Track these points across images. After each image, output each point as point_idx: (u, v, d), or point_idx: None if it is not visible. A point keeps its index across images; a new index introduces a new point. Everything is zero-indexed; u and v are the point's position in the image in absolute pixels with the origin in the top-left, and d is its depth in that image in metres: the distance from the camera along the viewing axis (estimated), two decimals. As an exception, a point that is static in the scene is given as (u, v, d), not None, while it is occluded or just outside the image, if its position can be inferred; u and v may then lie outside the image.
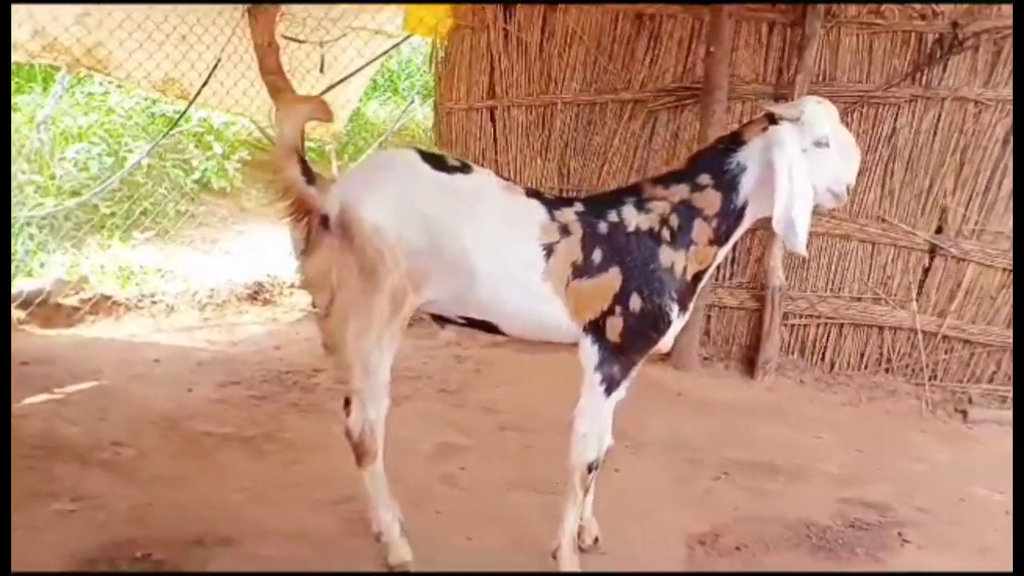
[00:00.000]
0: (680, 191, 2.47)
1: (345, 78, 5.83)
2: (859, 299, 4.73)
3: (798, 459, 3.74)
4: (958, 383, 4.61)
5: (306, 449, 3.52)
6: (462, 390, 4.39)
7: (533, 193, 2.52)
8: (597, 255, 2.43)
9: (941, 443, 4.15)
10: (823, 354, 4.86)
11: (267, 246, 6.87)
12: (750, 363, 4.83)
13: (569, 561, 2.57)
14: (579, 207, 2.49)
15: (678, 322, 2.51)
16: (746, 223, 2.51)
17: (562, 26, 5.21)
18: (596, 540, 2.80)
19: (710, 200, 2.45)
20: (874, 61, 4.64)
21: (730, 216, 2.47)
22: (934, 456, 3.94)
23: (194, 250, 7.08)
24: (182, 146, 7.66)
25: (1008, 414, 4.42)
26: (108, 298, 5.58)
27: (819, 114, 2.39)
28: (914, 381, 4.66)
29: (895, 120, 4.61)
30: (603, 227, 2.45)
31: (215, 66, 5.73)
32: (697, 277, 2.51)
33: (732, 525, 3.10)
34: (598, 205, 2.51)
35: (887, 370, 4.73)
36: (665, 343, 2.55)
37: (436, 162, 2.45)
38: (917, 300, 4.63)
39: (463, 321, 2.57)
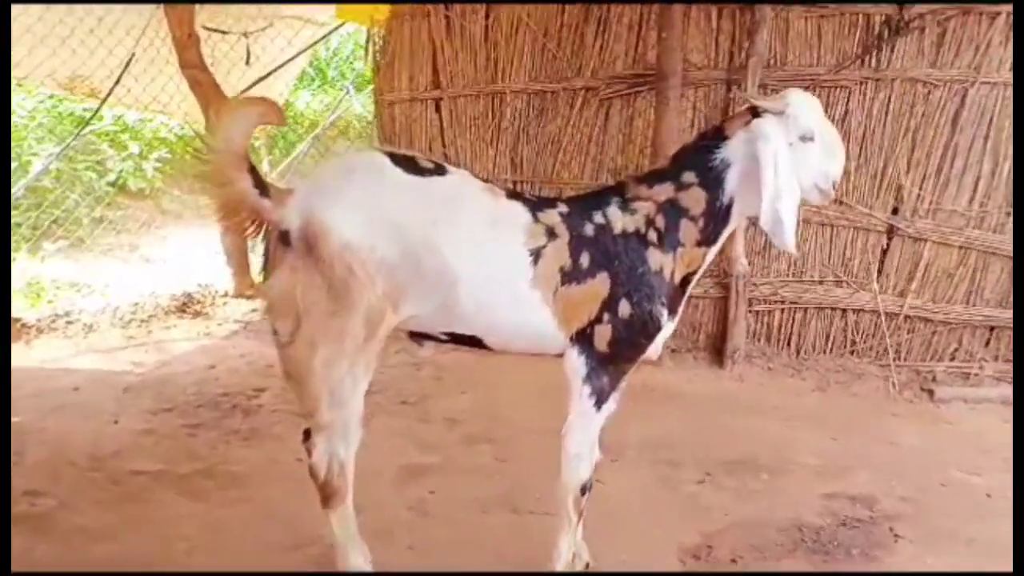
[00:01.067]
0: (665, 190, 2.35)
1: (274, 70, 5.52)
2: (821, 282, 4.72)
3: (777, 453, 3.68)
4: (922, 362, 4.65)
5: (254, 484, 3.20)
6: (423, 401, 4.18)
7: (514, 194, 2.34)
8: (585, 259, 2.28)
9: (912, 424, 4.16)
10: (789, 339, 4.84)
11: (194, 251, 6.48)
12: (718, 352, 4.78)
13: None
14: (563, 208, 2.33)
15: (667, 328, 2.39)
16: (733, 222, 2.40)
17: (508, 12, 5.02)
18: (587, 566, 2.61)
19: (696, 199, 2.34)
20: (824, 44, 4.60)
21: (717, 215, 2.35)
22: (907, 439, 3.94)
23: (112, 259, 6.64)
24: (94, 147, 7.16)
25: (973, 391, 4.49)
26: (16, 320, 5.12)
27: (804, 107, 2.28)
28: (879, 362, 4.68)
29: (847, 102, 4.59)
30: (589, 229, 2.30)
31: (128, 62, 5.34)
32: (686, 280, 2.39)
33: (723, 533, 3.00)
34: (582, 206, 2.37)
35: (853, 352, 4.73)
36: (654, 350, 2.41)
37: (407, 164, 2.20)
38: (878, 281, 4.64)
39: (446, 337, 2.37)
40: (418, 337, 2.42)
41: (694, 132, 4.75)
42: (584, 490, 2.40)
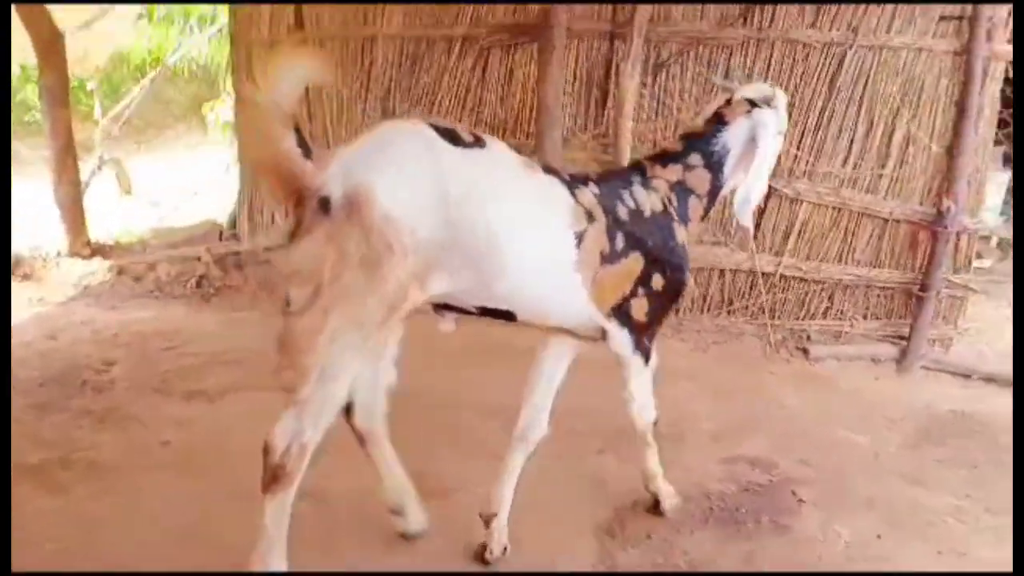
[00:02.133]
0: (676, 171, 2.57)
1: None
2: (700, 242, 4.68)
3: (669, 417, 3.53)
4: (796, 321, 4.73)
5: (118, 471, 2.85)
6: (296, 370, 3.82)
7: (549, 170, 2.36)
8: (620, 242, 2.37)
9: (790, 384, 4.22)
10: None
11: (23, 207, 5.74)
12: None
13: (669, 497, 2.84)
14: (594, 188, 2.39)
15: None
16: (712, 207, 2.69)
17: (381, -48, 4.65)
18: (505, 550, 2.55)
19: (701, 179, 2.59)
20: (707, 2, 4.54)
21: (715, 194, 2.64)
22: (789, 399, 3.99)
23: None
24: None
25: (845, 349, 4.61)
26: None
27: (784, 104, 2.66)
28: (756, 322, 4.73)
29: (729, 61, 4.55)
30: (623, 212, 2.41)
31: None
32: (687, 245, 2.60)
33: (634, 508, 2.92)
34: (611, 186, 2.46)
35: (730, 312, 4.76)
36: None
37: (450, 136, 2.10)
38: (755, 240, 4.67)
39: (475, 310, 2.30)
40: (441, 309, 2.32)
41: (576, 86, 4.61)
42: (656, 422, 2.74)
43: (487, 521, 2.53)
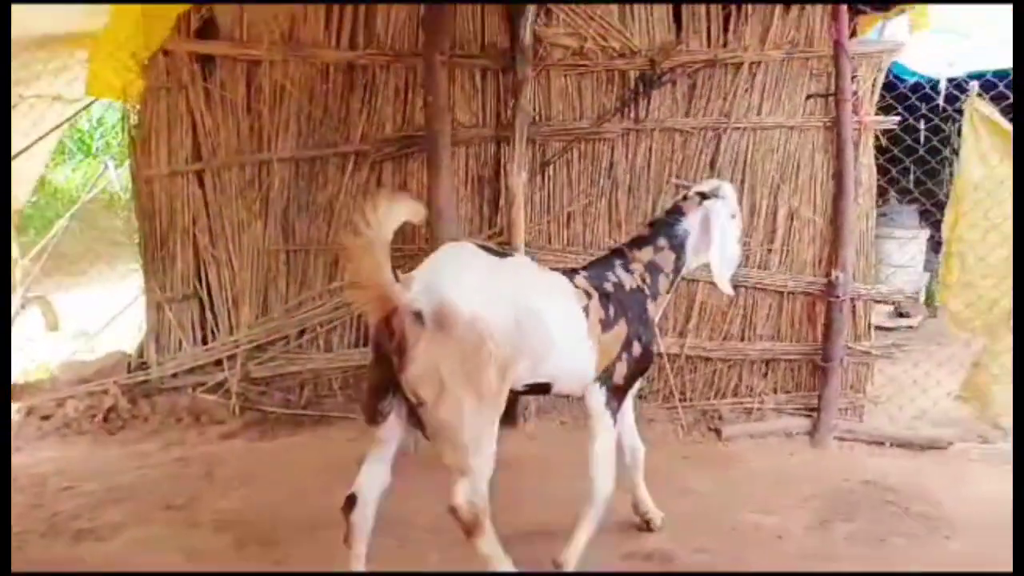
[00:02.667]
0: (648, 252, 3.13)
1: (24, 149, 5.01)
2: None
3: (570, 516, 3.52)
4: (707, 401, 4.73)
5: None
6: (191, 503, 3.74)
7: (553, 269, 3.03)
8: (612, 311, 2.91)
9: (703, 467, 4.18)
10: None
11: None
12: (508, 411, 4.64)
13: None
14: (584, 273, 3.00)
15: None
16: (677, 280, 3.24)
17: (270, 81, 4.81)
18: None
19: (667, 259, 3.14)
20: (585, 100, 4.69)
21: (678, 271, 3.19)
22: (699, 483, 3.93)
23: None
24: None
25: (757, 426, 4.60)
26: None
27: (731, 193, 3.28)
28: (667, 405, 4.72)
29: (612, 153, 4.69)
30: (609, 287, 2.96)
31: None
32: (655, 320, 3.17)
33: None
34: (597, 269, 3.06)
35: (642, 397, 4.74)
36: None
37: (490, 251, 2.81)
38: (658, 324, 4.70)
39: (523, 389, 2.84)
40: None
41: (468, 190, 4.73)
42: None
43: (642, 516, 3.44)
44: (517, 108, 4.54)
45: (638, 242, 3.18)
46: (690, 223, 3.18)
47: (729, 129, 4.58)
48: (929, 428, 4.59)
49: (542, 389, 2.92)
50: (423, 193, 4.64)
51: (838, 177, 4.46)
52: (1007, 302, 4.53)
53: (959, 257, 4.57)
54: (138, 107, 4.89)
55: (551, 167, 4.70)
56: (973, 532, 3.46)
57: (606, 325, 2.88)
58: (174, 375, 4.91)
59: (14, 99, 4.93)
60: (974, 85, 4.46)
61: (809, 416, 4.57)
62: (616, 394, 2.95)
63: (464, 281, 2.54)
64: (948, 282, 4.62)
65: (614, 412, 2.96)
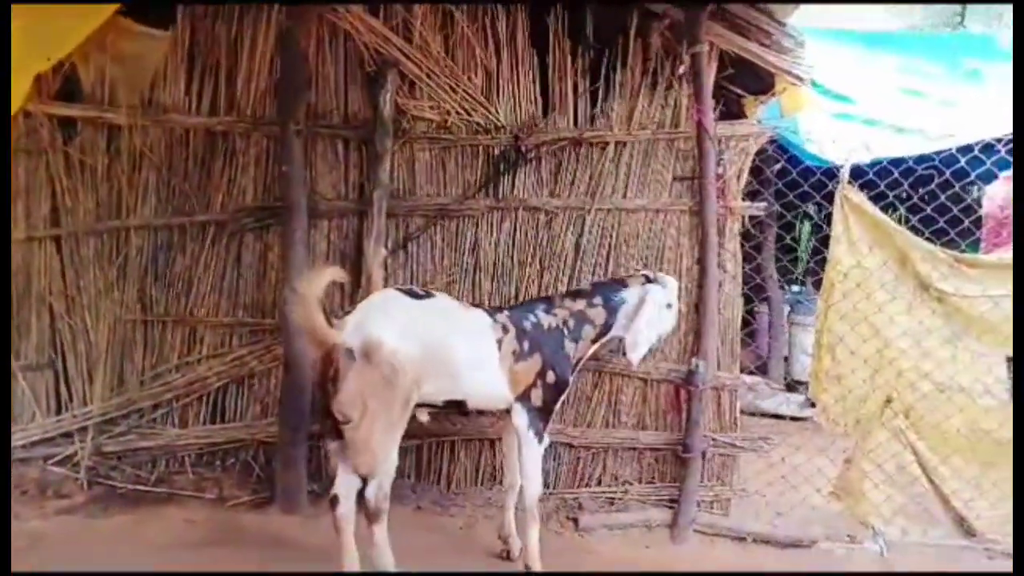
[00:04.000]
0: (580, 305, 3.78)
1: None
2: (467, 413, 4.54)
3: None
4: (569, 489, 4.56)
5: None
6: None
7: (475, 305, 3.89)
8: (527, 345, 3.59)
9: (553, 557, 3.98)
10: (439, 474, 4.63)
11: None
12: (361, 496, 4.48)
13: (538, 565, 3.67)
14: (507, 312, 3.69)
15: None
16: (612, 335, 3.85)
17: (129, 146, 4.68)
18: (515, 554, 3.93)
19: (599, 315, 3.79)
20: (449, 175, 4.60)
21: (606, 328, 3.80)
22: None
23: None
24: None
25: (616, 516, 4.42)
26: None
27: (672, 287, 3.91)
28: (528, 492, 4.53)
29: (475, 231, 4.56)
30: (527, 325, 3.64)
31: None
32: (579, 362, 3.83)
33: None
34: (519, 310, 3.75)
35: (500, 482, 4.57)
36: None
37: (411, 294, 3.49)
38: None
39: (442, 404, 3.56)
40: (421, 407, 3.53)
41: (329, 262, 4.58)
42: (538, 500, 3.69)
43: (504, 539, 3.96)
44: (376, 181, 4.42)
45: (574, 294, 3.87)
46: (629, 295, 3.80)
47: (593, 210, 4.44)
48: (796, 526, 4.40)
49: (459, 406, 3.58)
50: (282, 264, 4.52)
51: (701, 263, 4.32)
52: (878, 397, 4.39)
53: (829, 349, 4.42)
54: (-4, 170, 4.73)
55: (413, 243, 4.56)
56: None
57: (519, 356, 3.55)
58: (24, 446, 4.71)
59: None
60: (844, 171, 4.33)
61: (671, 508, 4.39)
62: (538, 415, 3.61)
63: (385, 321, 3.26)
64: (819, 375, 4.46)
65: (537, 430, 3.61)
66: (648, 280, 3.83)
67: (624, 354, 3.93)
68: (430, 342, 3.33)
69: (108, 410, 4.68)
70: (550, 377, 3.62)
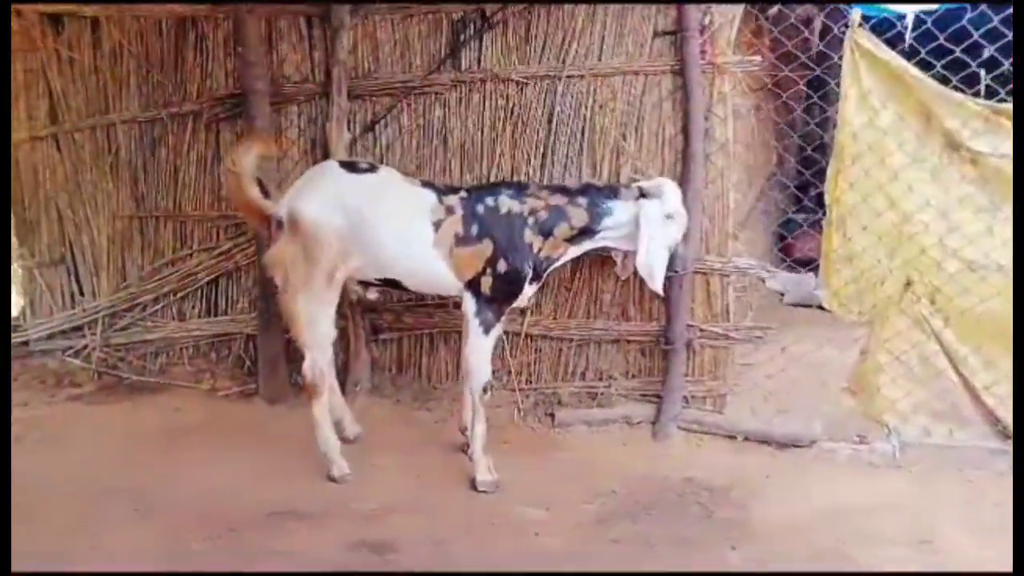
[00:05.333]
0: (558, 199, 3.42)
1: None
2: (442, 306, 4.34)
3: (333, 498, 3.36)
4: (549, 384, 4.28)
5: None
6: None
7: (427, 183, 3.53)
8: (474, 229, 3.34)
9: (515, 455, 3.77)
10: (419, 368, 4.47)
11: None
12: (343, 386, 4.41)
13: (482, 458, 3.45)
14: (463, 193, 3.44)
15: (531, 287, 3.49)
16: (597, 244, 3.52)
17: (110, 40, 4.66)
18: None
19: (579, 215, 3.40)
20: (413, 49, 4.25)
21: (586, 233, 3.44)
22: (503, 472, 3.52)
23: None
24: None
25: (596, 412, 4.12)
26: None
27: (670, 195, 3.45)
28: (509, 387, 4.30)
29: (445, 107, 4.23)
30: (480, 208, 3.37)
31: None
32: (549, 260, 3.46)
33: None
34: (480, 192, 3.46)
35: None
36: (521, 300, 3.53)
37: (349, 167, 3.47)
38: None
39: (379, 282, 3.55)
40: (364, 285, 3.64)
41: (299, 150, 4.43)
42: (485, 389, 3.47)
43: (463, 430, 3.70)
44: (333, 60, 4.18)
45: (557, 188, 3.51)
46: (618, 208, 3.40)
47: (564, 76, 4.00)
48: (797, 424, 3.93)
49: (395, 285, 3.54)
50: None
51: (685, 131, 3.82)
52: (897, 279, 3.79)
53: (839, 224, 3.83)
54: (-2, 72, 4.86)
55: (380, 126, 4.30)
56: (770, 544, 3.05)
57: (462, 240, 3.33)
58: (48, 337, 4.97)
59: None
60: (855, 14, 3.64)
61: (655, 404, 4.04)
62: (487, 305, 3.37)
63: (312, 194, 3.32)
64: (828, 255, 3.89)
65: (486, 321, 3.38)
66: (642, 195, 3.41)
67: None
68: (357, 216, 3.28)
69: (114, 304, 4.83)
70: (501, 266, 3.34)
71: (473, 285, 3.37)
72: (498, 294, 3.38)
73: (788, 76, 4.54)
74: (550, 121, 4.07)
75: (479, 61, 4.16)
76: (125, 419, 4.31)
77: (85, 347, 4.87)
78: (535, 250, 3.38)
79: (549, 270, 3.52)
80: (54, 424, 4.26)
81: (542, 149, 4.11)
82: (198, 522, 3.14)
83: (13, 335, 5.01)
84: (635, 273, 3.84)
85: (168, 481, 3.49)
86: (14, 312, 5.19)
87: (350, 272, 3.41)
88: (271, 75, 4.35)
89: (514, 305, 3.54)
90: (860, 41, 3.63)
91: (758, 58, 3.81)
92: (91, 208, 4.84)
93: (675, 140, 3.91)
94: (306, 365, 3.43)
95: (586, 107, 4.03)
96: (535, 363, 4.30)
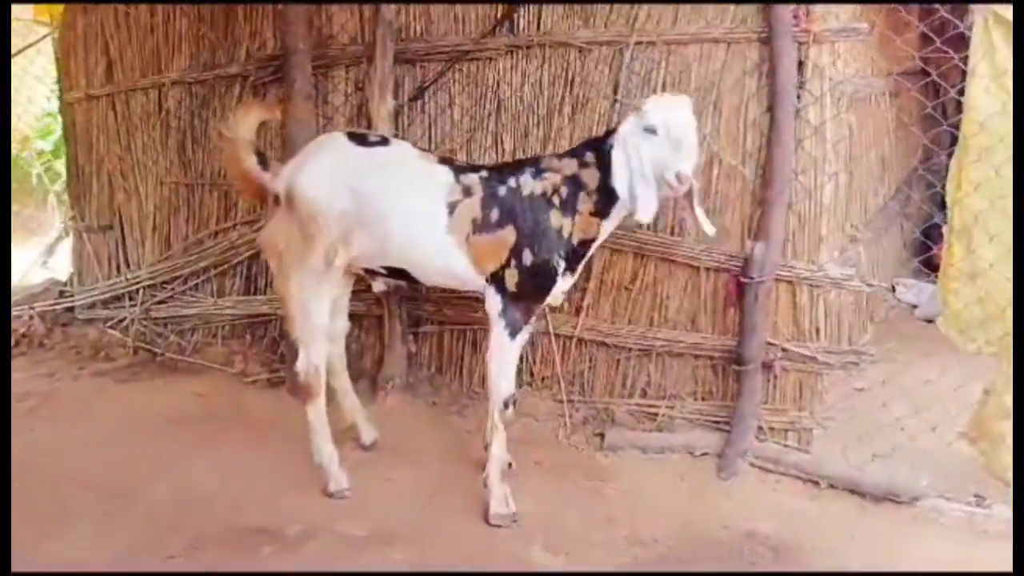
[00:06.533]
0: (570, 165, 2.87)
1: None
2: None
3: (334, 516, 2.96)
4: (604, 398, 3.71)
5: None
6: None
7: (445, 160, 3.05)
8: (495, 214, 2.85)
9: (547, 480, 3.29)
10: (459, 367, 4.00)
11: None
12: (372, 382, 4.00)
13: (497, 486, 2.93)
14: (483, 173, 2.95)
15: (564, 281, 2.95)
16: (616, 206, 2.86)
17: (166, -5, 4.40)
18: (510, 466, 3.14)
19: (592, 176, 2.84)
20: (465, 9, 3.74)
21: (606, 192, 2.82)
22: (518, 501, 3.01)
23: None
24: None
25: (654, 437, 3.53)
26: None
27: (653, 105, 2.72)
28: (557, 397, 3.77)
29: (498, 73, 3.72)
30: (502, 190, 2.88)
31: None
32: (584, 244, 2.91)
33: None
34: (501, 171, 2.96)
35: (530, 383, 3.84)
36: (554, 297, 3.00)
37: (359, 139, 3.00)
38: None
39: (385, 272, 3.08)
40: (369, 274, 3.17)
41: (344, 118, 4.03)
42: (507, 404, 2.95)
43: (485, 447, 3.05)
44: (378, 19, 3.73)
45: (563, 154, 2.97)
46: (617, 140, 2.78)
47: (632, 43, 3.41)
48: (897, 473, 3.21)
49: (402, 276, 3.06)
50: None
51: (771, 111, 3.16)
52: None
53: (961, 233, 3.08)
54: (59, 28, 4.73)
55: (427, 94, 3.83)
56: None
57: (480, 226, 2.85)
58: (91, 306, 4.80)
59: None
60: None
61: (727, 433, 3.41)
62: (514, 303, 2.88)
63: (313, 168, 2.89)
64: (947, 270, 3.15)
65: (513, 321, 2.89)
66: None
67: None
68: (362, 194, 2.86)
69: (155, 275, 4.60)
70: (527, 258, 2.84)
71: (497, 279, 2.89)
72: (526, 290, 2.88)
73: (940, 51, 3.73)
74: (615, 92, 3.49)
75: (538, 24, 3.61)
76: (140, 401, 4.05)
77: (124, 319, 4.66)
78: (565, 235, 2.85)
79: (587, 256, 3.00)
80: (69, 400, 4.05)
81: (605, 125, 3.52)
82: (162, 533, 2.80)
83: (62, 301, 4.88)
84: (701, 274, 3.26)
85: (149, 480, 3.16)
86: (63, 277, 5.07)
87: (352, 258, 2.99)
88: (319, 35, 3.95)
89: (546, 303, 3.02)
90: (997, 9, 2.86)
91: (865, 25, 3.07)
92: (140, 173, 4.61)
93: (760, 121, 3.26)
94: (299, 362, 3.03)
95: (657, 78, 3.42)
96: (588, 373, 3.73)
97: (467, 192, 2.88)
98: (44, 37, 5.17)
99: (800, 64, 3.14)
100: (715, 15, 3.29)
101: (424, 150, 3.12)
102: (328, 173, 2.88)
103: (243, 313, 4.39)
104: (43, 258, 5.51)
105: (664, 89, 3.37)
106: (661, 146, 2.67)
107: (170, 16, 4.41)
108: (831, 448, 3.38)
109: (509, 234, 2.85)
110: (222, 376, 4.29)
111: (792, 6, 3.05)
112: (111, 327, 4.70)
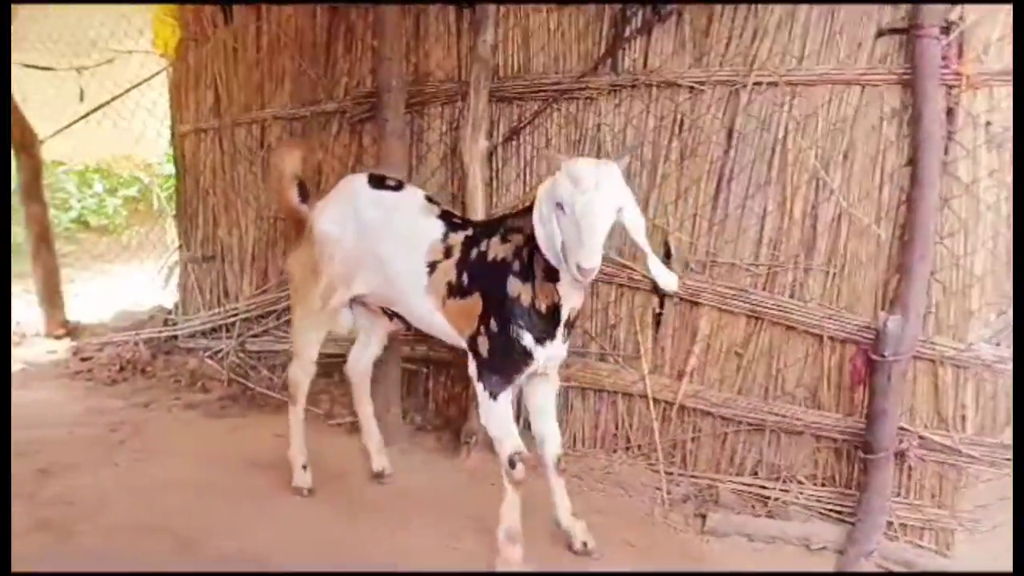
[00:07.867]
0: (529, 223, 2.47)
1: (100, 106, 5.25)
2: (583, 353, 3.55)
3: None
4: (710, 474, 3.34)
5: None
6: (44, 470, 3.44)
7: (445, 214, 2.91)
8: (465, 278, 2.71)
9: (645, 566, 2.92)
10: (516, 410, 3.68)
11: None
12: (454, 439, 3.77)
13: (508, 552, 2.67)
14: (469, 231, 2.80)
15: (548, 348, 2.61)
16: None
17: (270, 32, 4.35)
18: (585, 545, 2.85)
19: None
20: (567, 45, 3.47)
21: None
22: None
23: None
24: (60, 184, 7.33)
25: (761, 524, 3.13)
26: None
27: (564, 176, 2.31)
28: (654, 468, 3.43)
29: (599, 115, 3.42)
30: (474, 254, 2.71)
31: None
32: (552, 310, 2.54)
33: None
34: (481, 231, 2.78)
35: (627, 449, 3.52)
36: (541, 367, 2.67)
37: (376, 181, 3.00)
38: (648, 356, 3.41)
39: (389, 314, 3.10)
40: (384, 312, 3.14)
41: (436, 156, 3.85)
42: (512, 463, 2.66)
43: None
44: (474, 56, 3.52)
45: (526, 210, 2.57)
46: (536, 201, 2.51)
47: (751, 84, 3.04)
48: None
49: (404, 320, 3.04)
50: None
51: (913, 164, 2.73)
52: None
53: None
54: (173, 60, 4.78)
55: (522, 133, 3.58)
56: None
57: (457, 291, 2.72)
58: (192, 336, 4.83)
59: (106, 55, 5.15)
60: None
61: (849, 527, 2.98)
62: (489, 369, 2.66)
63: (331, 205, 3.02)
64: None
65: (491, 385, 2.66)
66: None
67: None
68: (367, 238, 2.91)
69: (251, 308, 4.56)
70: (493, 326, 2.62)
71: (472, 344, 2.72)
72: (498, 359, 2.65)
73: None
74: (729, 138, 3.13)
75: (644, 61, 3.29)
76: (225, 441, 3.93)
77: (221, 350, 4.64)
78: (525, 303, 2.55)
79: (566, 322, 2.59)
80: (157, 435, 3.96)
81: (717, 173, 3.17)
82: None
83: (165, 329, 4.92)
84: (825, 344, 2.87)
85: (218, 534, 2.99)
86: (168, 305, 5.12)
87: (354, 296, 3.05)
88: (415, 72, 3.79)
89: (532, 370, 2.67)
90: None
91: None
92: (241, 206, 4.59)
93: (899, 175, 2.82)
94: (289, 371, 3.32)
95: (778, 123, 3.04)
96: (690, 444, 3.37)
97: (447, 253, 2.78)
98: (160, 72, 5.23)
99: (949, 111, 2.68)
100: (848, 53, 2.87)
101: (432, 200, 2.96)
102: (341, 211, 2.97)
103: (332, 352, 4.25)
104: (163, 283, 5.60)
105: (787, 135, 2.98)
106: (568, 226, 2.31)
107: (274, 52, 4.35)
108: (977, 554, 2.89)
109: (476, 301, 2.68)
110: (308, 416, 4.13)
111: (942, 44, 2.60)
112: (209, 357, 4.68)
